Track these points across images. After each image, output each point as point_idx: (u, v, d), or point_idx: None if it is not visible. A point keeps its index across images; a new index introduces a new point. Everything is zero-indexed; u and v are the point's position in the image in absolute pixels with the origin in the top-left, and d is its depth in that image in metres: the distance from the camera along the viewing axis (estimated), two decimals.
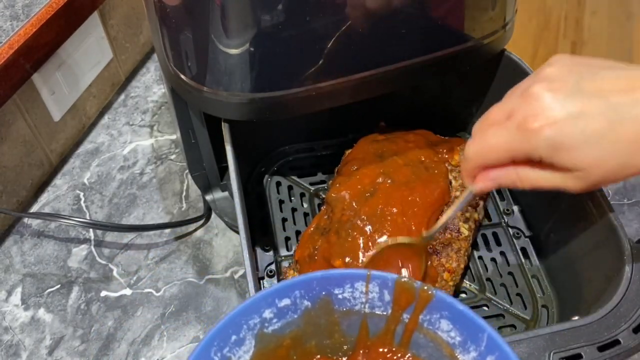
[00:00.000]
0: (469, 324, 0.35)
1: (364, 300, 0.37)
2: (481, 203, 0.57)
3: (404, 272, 0.47)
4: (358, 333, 0.39)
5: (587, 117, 0.33)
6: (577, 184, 0.36)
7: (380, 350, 0.39)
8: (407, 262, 0.47)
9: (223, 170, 0.61)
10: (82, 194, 0.66)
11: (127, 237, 0.62)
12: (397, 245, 0.47)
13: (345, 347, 0.39)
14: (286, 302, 0.36)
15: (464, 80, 0.63)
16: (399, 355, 0.38)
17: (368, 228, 0.49)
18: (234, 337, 0.35)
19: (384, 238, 0.49)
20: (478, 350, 0.34)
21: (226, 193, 0.63)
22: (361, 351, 0.39)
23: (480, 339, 0.34)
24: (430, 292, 0.36)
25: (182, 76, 0.49)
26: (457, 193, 0.53)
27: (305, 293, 0.37)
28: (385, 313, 0.37)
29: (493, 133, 0.36)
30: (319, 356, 0.39)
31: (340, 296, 0.37)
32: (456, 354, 0.36)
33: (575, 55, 0.35)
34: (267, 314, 0.36)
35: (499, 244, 0.58)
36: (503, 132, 0.35)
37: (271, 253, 0.57)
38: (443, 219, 0.44)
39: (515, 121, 0.34)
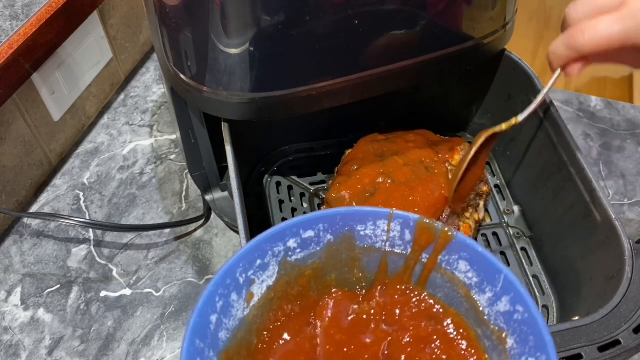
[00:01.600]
0: (486, 265, 0.35)
1: (385, 238, 0.38)
2: (481, 203, 0.57)
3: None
4: (377, 270, 0.39)
5: None
6: None
7: (397, 287, 0.39)
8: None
9: (223, 170, 0.61)
10: (81, 194, 0.66)
11: (127, 237, 0.62)
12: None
13: (363, 282, 0.40)
14: (310, 233, 0.37)
15: (464, 80, 0.63)
16: (416, 293, 0.39)
17: None
18: (259, 262, 0.36)
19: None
20: (493, 291, 0.35)
21: (226, 193, 0.63)
22: (379, 287, 0.39)
23: (497, 280, 0.35)
24: (450, 234, 0.36)
25: (182, 76, 0.49)
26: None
27: (329, 227, 0.38)
28: (405, 252, 0.38)
29: (607, 23, 0.36)
30: (336, 289, 0.40)
31: (362, 233, 0.38)
32: (472, 294, 0.36)
33: None
34: (292, 243, 0.37)
35: (499, 244, 0.58)
36: (619, 21, 0.35)
37: None
38: (532, 106, 0.45)
39: (634, 9, 0.34)
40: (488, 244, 0.58)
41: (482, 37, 0.53)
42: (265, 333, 0.37)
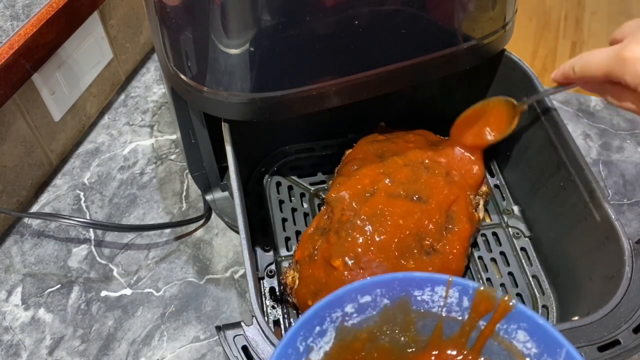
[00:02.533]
0: (547, 337, 0.35)
1: (442, 304, 0.38)
2: (481, 203, 0.57)
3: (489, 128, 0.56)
4: (432, 334, 0.40)
5: None
6: None
7: (451, 352, 0.39)
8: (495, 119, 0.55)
9: (223, 170, 0.61)
10: (82, 194, 0.66)
11: (127, 237, 0.62)
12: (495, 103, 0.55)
13: (416, 345, 0.40)
14: (367, 298, 0.38)
15: (464, 80, 0.63)
16: (470, 358, 0.39)
17: (368, 228, 0.49)
18: (317, 328, 0.37)
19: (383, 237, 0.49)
20: None
21: (226, 193, 0.63)
22: (433, 352, 0.40)
23: (558, 354, 0.35)
24: (511, 304, 0.36)
25: (182, 76, 0.49)
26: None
27: (386, 292, 0.38)
28: (461, 318, 0.38)
29: (597, 53, 0.43)
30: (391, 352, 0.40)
31: (419, 298, 0.38)
32: None
33: None
34: (349, 308, 0.37)
35: (499, 244, 0.59)
36: (605, 53, 0.42)
37: (271, 253, 0.57)
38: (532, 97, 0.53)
39: (617, 47, 0.41)
40: (488, 244, 0.58)
41: (482, 37, 0.53)
42: None
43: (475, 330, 0.38)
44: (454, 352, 0.39)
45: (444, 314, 0.39)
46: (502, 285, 0.55)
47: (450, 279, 0.37)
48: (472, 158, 0.57)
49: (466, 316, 0.38)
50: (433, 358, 0.39)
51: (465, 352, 0.39)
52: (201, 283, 0.58)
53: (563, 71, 0.47)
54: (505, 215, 0.61)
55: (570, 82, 0.47)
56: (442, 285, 0.38)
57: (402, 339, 0.40)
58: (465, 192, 0.54)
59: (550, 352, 0.35)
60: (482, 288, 0.37)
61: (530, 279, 0.56)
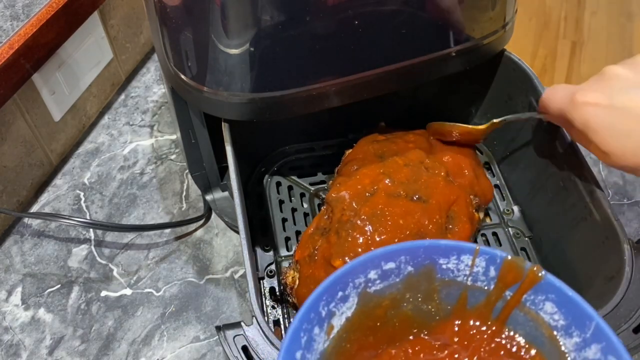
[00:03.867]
0: (576, 310, 0.34)
1: (467, 272, 0.37)
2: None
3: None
4: (456, 303, 0.39)
5: (625, 115, 0.39)
6: (604, 159, 0.42)
7: (475, 322, 0.39)
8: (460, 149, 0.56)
9: (223, 170, 0.61)
10: (82, 194, 0.66)
11: (127, 237, 0.62)
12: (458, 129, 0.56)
13: (440, 313, 0.39)
14: (391, 265, 0.37)
15: (464, 80, 0.63)
16: (494, 328, 0.38)
17: (368, 228, 0.49)
18: (340, 294, 0.36)
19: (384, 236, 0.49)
20: (582, 337, 0.34)
21: (226, 193, 0.63)
22: (456, 321, 0.39)
23: (587, 327, 0.34)
24: (540, 274, 0.35)
25: (182, 76, 0.49)
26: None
27: (411, 259, 0.37)
28: (487, 288, 0.37)
29: (561, 90, 0.45)
30: (415, 328, 0.39)
31: (444, 266, 0.38)
32: (556, 336, 0.35)
33: None
34: (372, 274, 0.37)
35: (499, 244, 0.59)
36: (563, 92, 0.44)
37: (271, 253, 0.57)
38: (509, 117, 0.54)
39: (573, 89, 0.42)
40: (488, 244, 0.58)
41: (482, 37, 0.53)
42: None
43: (500, 301, 0.37)
44: (478, 323, 0.38)
45: (469, 283, 0.38)
46: None
47: (477, 248, 0.36)
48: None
49: (492, 286, 0.37)
50: (456, 327, 0.39)
51: (489, 323, 0.38)
52: (201, 283, 0.58)
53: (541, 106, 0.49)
54: (505, 215, 0.61)
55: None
56: (468, 254, 0.37)
57: (425, 307, 0.39)
58: (466, 192, 0.54)
59: (578, 324, 0.34)
60: (510, 257, 0.36)
61: None
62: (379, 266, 0.37)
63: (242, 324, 0.42)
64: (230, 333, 0.41)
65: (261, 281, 0.56)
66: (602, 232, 0.47)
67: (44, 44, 0.60)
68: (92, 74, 0.71)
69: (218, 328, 0.41)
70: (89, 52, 0.68)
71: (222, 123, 0.51)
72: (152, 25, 0.51)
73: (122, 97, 0.76)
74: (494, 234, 0.59)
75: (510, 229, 0.60)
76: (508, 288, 0.37)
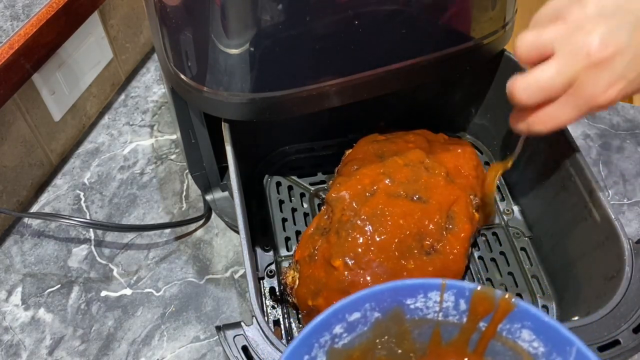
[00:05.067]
0: (555, 335, 0.33)
1: (437, 309, 0.36)
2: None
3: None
4: (430, 340, 0.38)
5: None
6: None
7: (452, 358, 0.38)
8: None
9: (223, 170, 0.61)
10: (82, 194, 0.66)
11: (127, 237, 0.62)
12: None
13: (415, 353, 0.38)
14: (356, 315, 0.35)
15: (464, 80, 0.63)
16: None
17: (368, 228, 0.49)
18: (306, 357, 0.34)
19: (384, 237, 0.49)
20: None
21: (226, 193, 0.63)
22: (433, 359, 0.38)
23: (568, 352, 0.33)
24: (511, 303, 0.34)
25: (182, 76, 0.49)
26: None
27: (376, 305, 0.36)
28: (459, 321, 0.36)
29: (566, 112, 0.40)
30: None
31: (412, 306, 0.36)
32: None
33: None
34: (337, 329, 0.35)
35: (499, 244, 0.59)
36: (574, 108, 0.39)
37: (271, 253, 0.57)
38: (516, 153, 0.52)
39: (585, 95, 0.38)
40: (488, 244, 0.58)
41: (482, 38, 0.53)
42: None
43: (475, 333, 0.36)
44: (455, 358, 0.38)
45: (440, 319, 0.37)
46: (502, 285, 0.55)
47: (443, 283, 0.35)
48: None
49: (464, 319, 0.36)
50: None
51: (466, 357, 0.37)
52: (201, 283, 0.58)
53: (521, 131, 0.44)
54: (505, 215, 0.61)
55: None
56: (435, 290, 0.36)
57: (399, 349, 0.38)
58: (466, 193, 0.54)
59: (559, 350, 0.33)
60: (479, 288, 0.35)
61: (530, 279, 0.56)
62: (343, 319, 0.35)
63: (242, 324, 0.42)
64: (230, 333, 0.41)
65: (261, 281, 0.56)
66: (602, 232, 0.47)
67: (44, 44, 0.60)
68: (92, 74, 0.71)
69: (218, 328, 0.41)
70: (89, 52, 0.68)
71: (222, 123, 0.51)
72: (152, 25, 0.51)
73: (122, 97, 0.76)
74: (494, 234, 0.59)
75: (510, 228, 0.60)
76: (481, 319, 0.36)
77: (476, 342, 0.37)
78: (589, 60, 0.37)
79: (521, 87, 0.40)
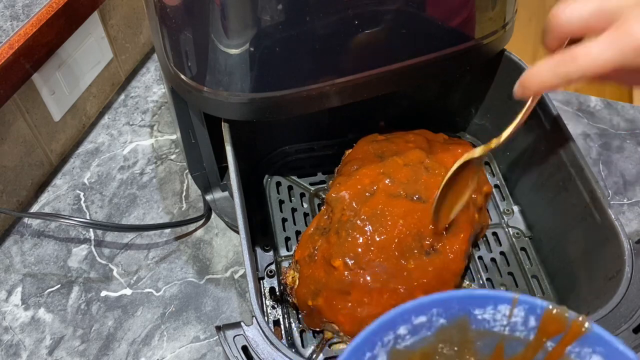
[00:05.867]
0: None
1: (505, 323, 0.35)
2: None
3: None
4: (492, 353, 0.37)
5: None
6: None
7: None
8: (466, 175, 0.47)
9: (223, 170, 0.61)
10: (82, 194, 0.66)
11: (127, 237, 0.62)
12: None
13: None
14: (422, 319, 0.35)
15: (464, 80, 0.63)
16: None
17: (368, 228, 0.49)
18: (368, 355, 0.34)
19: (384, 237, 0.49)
20: None
21: (226, 193, 0.63)
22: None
23: None
24: (585, 327, 0.33)
25: (182, 76, 0.49)
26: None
27: (443, 311, 0.35)
28: (526, 338, 0.35)
29: (602, 47, 0.35)
30: None
31: (479, 317, 0.35)
32: None
33: None
34: (402, 330, 0.35)
35: (499, 244, 0.59)
36: (614, 45, 0.34)
37: (271, 253, 0.57)
38: (509, 130, 0.43)
39: (631, 30, 0.34)
40: (488, 244, 0.58)
41: (482, 38, 0.53)
42: None
43: (541, 352, 0.35)
44: None
45: (506, 333, 0.35)
46: (503, 285, 0.55)
47: (515, 297, 0.34)
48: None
49: (532, 336, 0.35)
50: None
51: None
52: (201, 283, 0.58)
53: (543, 81, 0.38)
54: (505, 215, 0.61)
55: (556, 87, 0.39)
56: (506, 304, 0.34)
57: (459, 358, 0.37)
58: None
59: None
60: (551, 307, 0.34)
61: (530, 279, 0.56)
62: (409, 321, 0.35)
63: (242, 324, 0.42)
64: (230, 333, 0.41)
65: (261, 281, 0.56)
66: (602, 232, 0.47)
67: (44, 44, 0.60)
68: (92, 74, 0.70)
69: (218, 328, 0.41)
70: (89, 52, 0.68)
71: (222, 123, 0.51)
72: (152, 25, 0.51)
73: (122, 97, 0.76)
74: (494, 234, 0.59)
75: (510, 229, 0.60)
76: (549, 339, 0.34)
77: None
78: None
79: (565, 10, 0.36)
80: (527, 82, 0.39)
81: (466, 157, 0.46)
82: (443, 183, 0.47)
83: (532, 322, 0.35)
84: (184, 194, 0.66)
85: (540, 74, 0.38)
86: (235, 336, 0.41)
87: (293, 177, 0.64)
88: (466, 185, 0.48)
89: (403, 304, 0.34)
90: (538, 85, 0.39)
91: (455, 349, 0.36)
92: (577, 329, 0.33)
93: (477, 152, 0.46)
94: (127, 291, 0.58)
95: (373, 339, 0.34)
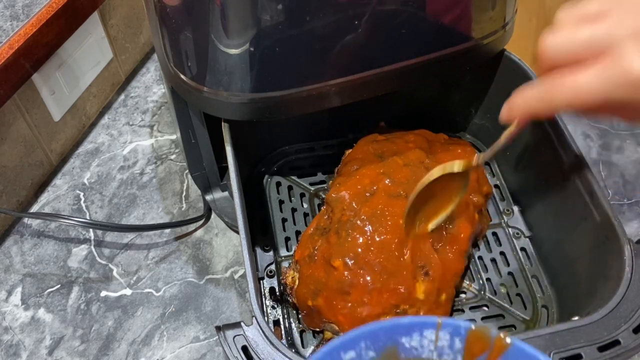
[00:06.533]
0: None
1: (432, 348, 0.36)
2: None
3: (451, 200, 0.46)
4: None
5: None
6: None
7: None
8: (448, 188, 0.45)
9: (223, 170, 0.61)
10: (82, 194, 0.66)
11: (127, 237, 0.62)
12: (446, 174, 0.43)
13: None
14: (351, 354, 0.35)
15: (464, 80, 0.63)
16: None
17: (368, 228, 0.49)
18: None
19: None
20: None
21: (226, 193, 0.63)
22: None
23: None
24: (506, 342, 0.34)
25: (182, 76, 0.49)
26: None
27: (372, 344, 0.35)
28: None
29: (590, 77, 0.32)
30: None
31: (407, 345, 0.36)
32: None
33: None
34: None
35: (499, 244, 0.59)
36: (595, 74, 0.32)
37: (271, 253, 0.57)
38: (489, 152, 0.42)
39: (625, 64, 0.31)
40: (488, 244, 0.58)
41: (482, 37, 0.53)
42: None
43: None
44: None
45: (435, 358, 0.36)
46: (502, 285, 0.55)
47: (439, 321, 0.35)
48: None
49: (459, 358, 0.36)
50: None
51: None
52: (201, 283, 0.58)
53: (528, 107, 0.37)
54: (504, 215, 0.61)
55: (535, 117, 0.37)
56: (431, 329, 0.35)
57: None
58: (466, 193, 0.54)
59: None
60: (473, 327, 0.35)
61: (530, 279, 0.56)
62: (338, 358, 0.34)
63: (242, 324, 0.42)
64: (230, 333, 0.41)
65: (261, 281, 0.56)
66: (602, 232, 0.47)
67: (44, 44, 0.60)
68: (92, 74, 0.70)
69: (218, 328, 0.41)
70: (89, 52, 0.68)
71: (222, 123, 0.51)
72: (152, 25, 0.51)
73: (122, 97, 0.76)
74: (494, 234, 0.59)
75: (510, 229, 0.60)
76: (476, 359, 0.35)
77: None
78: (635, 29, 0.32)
79: (553, 40, 0.34)
80: (513, 104, 0.38)
81: (438, 171, 0.44)
82: (414, 194, 0.45)
83: (458, 344, 0.35)
84: (184, 194, 0.66)
85: (526, 99, 0.37)
86: (235, 336, 0.41)
87: (293, 177, 0.64)
88: (449, 199, 0.46)
89: (328, 343, 0.34)
90: (523, 109, 0.38)
91: None
92: (501, 345, 0.34)
93: (456, 166, 0.44)
94: (127, 291, 0.58)
95: None
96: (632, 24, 0.32)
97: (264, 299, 0.54)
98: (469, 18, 0.51)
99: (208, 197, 0.63)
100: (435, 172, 0.44)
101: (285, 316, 0.53)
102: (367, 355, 0.35)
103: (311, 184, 0.64)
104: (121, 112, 0.75)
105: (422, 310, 0.48)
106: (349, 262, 0.48)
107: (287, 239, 0.59)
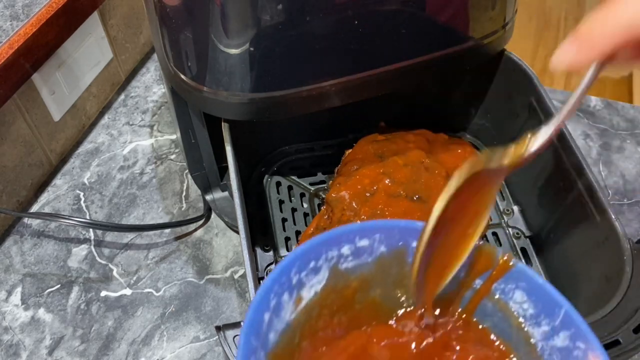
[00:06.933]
0: (546, 298, 0.34)
1: None
2: None
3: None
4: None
5: None
6: None
7: (442, 311, 0.37)
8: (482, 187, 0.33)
9: (223, 170, 0.61)
10: (82, 194, 0.66)
11: (127, 237, 0.62)
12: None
13: (408, 301, 0.38)
14: (365, 242, 0.36)
15: (464, 80, 0.63)
16: (464, 316, 0.37)
17: None
18: (312, 263, 0.35)
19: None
20: (551, 325, 0.34)
21: (226, 193, 0.63)
22: (423, 309, 0.38)
23: (556, 314, 0.33)
24: (511, 263, 0.35)
25: (182, 76, 0.49)
26: None
27: (385, 239, 0.36)
28: (458, 276, 0.36)
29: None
30: (382, 315, 0.38)
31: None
32: (523, 327, 0.35)
33: None
34: (345, 250, 0.36)
35: (498, 244, 0.59)
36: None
37: (271, 253, 0.57)
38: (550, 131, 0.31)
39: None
40: None
41: (482, 37, 0.53)
42: (305, 342, 0.35)
43: (469, 290, 0.36)
44: (445, 312, 0.37)
45: None
46: None
47: None
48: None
49: (462, 274, 0.36)
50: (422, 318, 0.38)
51: (457, 312, 0.37)
52: (201, 283, 0.58)
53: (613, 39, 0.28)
54: (504, 215, 0.61)
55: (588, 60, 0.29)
56: None
57: (394, 293, 0.38)
58: None
59: (548, 312, 0.34)
60: (481, 243, 0.35)
61: None
62: (352, 241, 0.36)
63: (242, 324, 0.41)
64: (230, 333, 0.41)
65: (261, 281, 0.55)
66: (602, 232, 0.47)
67: (44, 44, 0.60)
68: (92, 74, 0.70)
69: (218, 328, 0.41)
70: (89, 52, 0.68)
71: (222, 123, 0.51)
72: (152, 25, 0.51)
73: (122, 97, 0.76)
74: (494, 234, 0.59)
75: (510, 229, 0.60)
76: (478, 276, 0.36)
77: (468, 300, 0.37)
78: None
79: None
80: (593, 33, 0.29)
81: (478, 167, 0.31)
82: (429, 227, 0.32)
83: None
84: (184, 194, 0.66)
85: (614, 25, 0.28)
86: (235, 336, 0.41)
87: (293, 177, 0.64)
88: (466, 235, 0.35)
89: (349, 224, 0.36)
90: (611, 40, 0.28)
91: (392, 282, 0.37)
92: (504, 265, 0.35)
93: (503, 158, 0.31)
94: (127, 291, 0.58)
95: (319, 249, 0.35)
96: None
97: None
98: (469, 18, 0.51)
99: (208, 197, 0.63)
100: (464, 172, 0.31)
101: None
102: (379, 248, 0.36)
103: (311, 184, 0.64)
104: (121, 112, 0.75)
105: None
106: None
107: (287, 239, 0.59)
